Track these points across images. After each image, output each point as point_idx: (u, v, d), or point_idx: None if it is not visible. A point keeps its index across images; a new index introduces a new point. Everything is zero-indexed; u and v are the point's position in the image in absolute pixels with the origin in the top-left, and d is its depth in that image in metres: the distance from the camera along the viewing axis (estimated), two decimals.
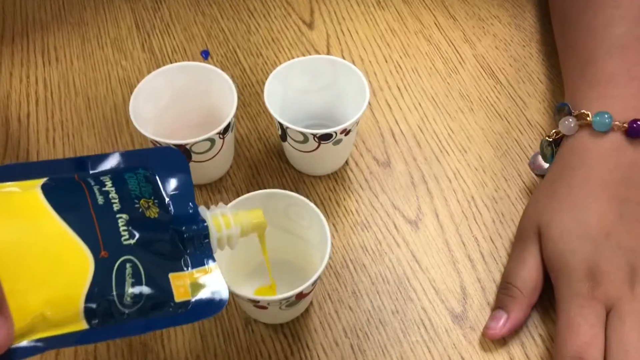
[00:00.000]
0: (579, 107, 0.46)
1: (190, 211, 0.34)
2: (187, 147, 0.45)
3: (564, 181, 0.44)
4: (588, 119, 0.44)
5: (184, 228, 0.33)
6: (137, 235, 0.31)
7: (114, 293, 0.30)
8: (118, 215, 0.31)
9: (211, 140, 0.46)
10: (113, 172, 0.33)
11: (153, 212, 0.32)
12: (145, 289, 0.30)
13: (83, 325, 0.29)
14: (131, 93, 0.47)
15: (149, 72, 0.49)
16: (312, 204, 0.41)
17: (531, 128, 0.54)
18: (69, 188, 0.32)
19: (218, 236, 0.35)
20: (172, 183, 0.35)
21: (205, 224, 0.34)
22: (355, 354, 0.43)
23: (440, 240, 0.48)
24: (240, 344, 0.43)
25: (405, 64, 0.59)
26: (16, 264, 0.29)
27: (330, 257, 0.40)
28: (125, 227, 0.31)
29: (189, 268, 0.33)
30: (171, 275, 0.32)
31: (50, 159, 0.53)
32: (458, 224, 0.49)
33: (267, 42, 0.61)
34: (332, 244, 0.40)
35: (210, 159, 0.48)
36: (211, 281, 0.33)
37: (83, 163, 0.34)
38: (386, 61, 0.59)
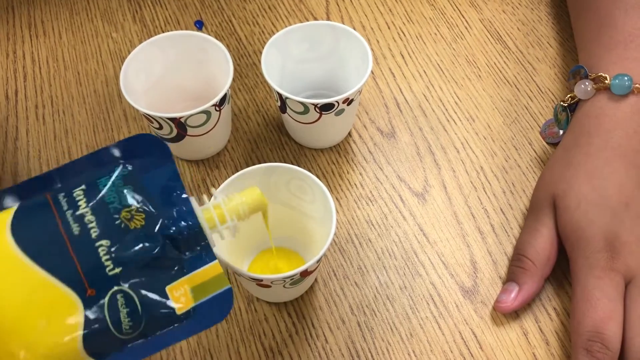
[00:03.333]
0: (596, 70, 0.44)
1: (181, 207, 0.31)
2: (182, 120, 0.43)
3: (581, 148, 0.42)
4: (606, 82, 0.42)
5: (173, 230, 0.30)
6: (122, 261, 0.29)
7: (111, 326, 0.29)
8: (98, 244, 0.29)
9: (207, 113, 0.44)
10: (86, 183, 0.31)
11: (138, 222, 0.30)
12: (142, 314, 0.29)
13: None
14: None
15: (140, 44, 0.47)
16: (315, 178, 0.39)
17: (541, 94, 0.52)
18: (40, 223, 0.29)
19: (214, 232, 0.33)
20: (155, 177, 0.31)
21: (197, 221, 0.31)
22: (362, 331, 0.41)
23: (448, 213, 0.46)
24: (242, 324, 0.42)
25: (409, 30, 0.56)
26: (2, 326, 0.28)
27: (335, 233, 0.38)
28: (107, 257, 0.29)
29: (187, 272, 0.31)
30: (168, 288, 0.30)
31: (40, 137, 0.51)
32: (467, 195, 0.47)
33: (263, 10, 0.58)
34: (336, 219, 0.38)
35: (206, 132, 0.46)
36: (213, 283, 0.31)
37: (51, 179, 0.31)
38: (389, 28, 0.57)
